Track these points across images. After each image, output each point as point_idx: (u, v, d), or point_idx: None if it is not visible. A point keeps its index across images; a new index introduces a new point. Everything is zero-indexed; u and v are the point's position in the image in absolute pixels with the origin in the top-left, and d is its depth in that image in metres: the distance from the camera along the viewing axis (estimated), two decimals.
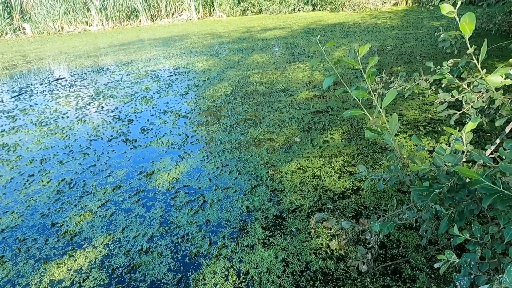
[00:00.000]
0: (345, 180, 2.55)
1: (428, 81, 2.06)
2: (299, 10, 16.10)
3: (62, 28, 15.81)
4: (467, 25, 1.45)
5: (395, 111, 3.69)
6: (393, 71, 5.25)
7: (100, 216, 2.36)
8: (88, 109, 4.66)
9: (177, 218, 2.28)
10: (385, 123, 1.52)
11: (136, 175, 2.86)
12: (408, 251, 1.85)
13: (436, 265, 1.21)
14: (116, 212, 2.39)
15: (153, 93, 5.14)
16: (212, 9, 17.88)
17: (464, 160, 1.36)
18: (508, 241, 1.16)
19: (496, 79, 1.09)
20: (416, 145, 2.90)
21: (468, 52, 1.55)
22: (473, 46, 1.59)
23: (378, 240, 1.57)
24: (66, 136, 3.79)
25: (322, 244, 1.94)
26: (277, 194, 2.46)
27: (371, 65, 1.48)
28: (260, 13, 17.27)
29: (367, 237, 1.58)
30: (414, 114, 3.57)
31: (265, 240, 2.02)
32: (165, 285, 1.77)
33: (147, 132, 3.72)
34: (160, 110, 4.40)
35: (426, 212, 1.36)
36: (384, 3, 14.48)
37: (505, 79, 1.04)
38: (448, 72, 1.86)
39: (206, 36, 11.08)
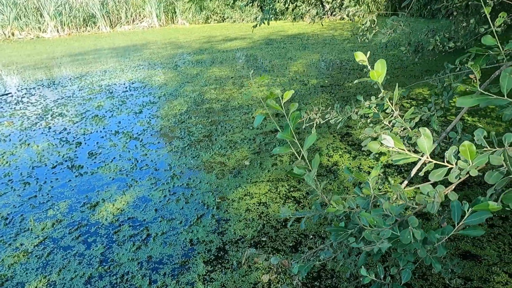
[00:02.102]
0: (289, 207, 2.63)
1: (358, 114, 2.19)
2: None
3: (13, 34, 14.96)
4: (377, 73, 1.56)
5: (343, 129, 3.85)
6: (346, 86, 5.47)
7: (36, 256, 2.27)
8: (34, 130, 4.45)
9: (118, 255, 2.24)
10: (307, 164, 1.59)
11: (79, 207, 2.77)
12: (341, 281, 1.94)
13: None
14: (54, 251, 2.31)
15: (106, 111, 5.00)
16: (174, 16, 17.68)
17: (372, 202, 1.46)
18: (405, 282, 1.26)
19: (375, 146, 1.19)
20: (352, 171, 3.02)
21: (379, 96, 1.67)
22: (385, 91, 1.70)
23: (300, 281, 1.64)
24: (7, 162, 3.60)
25: (260, 277, 1.99)
26: (222, 224, 2.49)
27: (293, 110, 1.55)
28: (223, 21, 17.32)
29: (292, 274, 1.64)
30: (359, 134, 3.75)
31: (205, 276, 2.04)
32: None
33: (95, 157, 3.61)
34: (111, 131, 4.29)
35: (340, 253, 1.44)
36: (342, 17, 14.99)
37: (380, 146, 1.14)
38: (374, 107, 1.98)
39: (166, 45, 10.94)
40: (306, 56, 8.00)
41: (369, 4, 14.63)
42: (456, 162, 1.08)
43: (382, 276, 1.32)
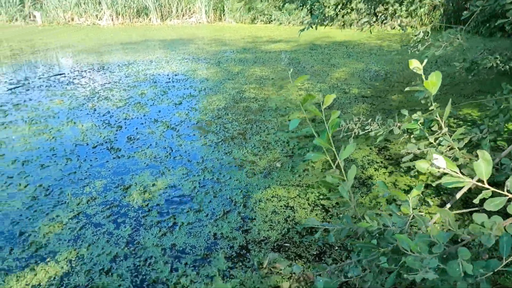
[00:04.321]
0: (316, 214, 2.57)
1: (401, 128, 2.09)
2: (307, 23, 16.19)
3: (72, 19, 15.94)
4: (432, 83, 1.48)
5: (381, 143, 3.72)
6: (388, 99, 5.28)
7: (69, 228, 2.39)
8: (81, 110, 4.70)
9: (144, 239, 2.30)
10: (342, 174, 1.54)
11: (113, 188, 2.88)
12: None
13: None
14: (85, 226, 2.42)
15: (148, 100, 5.18)
16: (222, 14, 18.02)
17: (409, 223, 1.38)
18: None
19: (424, 165, 1.12)
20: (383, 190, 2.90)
21: (430, 109, 1.58)
22: (436, 104, 1.61)
23: None
24: (53, 138, 3.82)
25: (280, 282, 1.96)
26: (247, 222, 2.48)
27: (334, 117, 1.51)
28: (270, 22, 17.40)
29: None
30: (398, 149, 3.60)
31: (225, 272, 2.04)
32: None
33: (133, 142, 3.75)
34: (151, 119, 4.43)
35: (370, 272, 1.38)
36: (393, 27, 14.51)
37: (430, 165, 1.07)
38: (420, 123, 1.89)
39: (211, 42, 11.16)
40: (350, 64, 7.82)
41: (422, 17, 14.07)
42: None
43: None
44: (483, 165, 0.96)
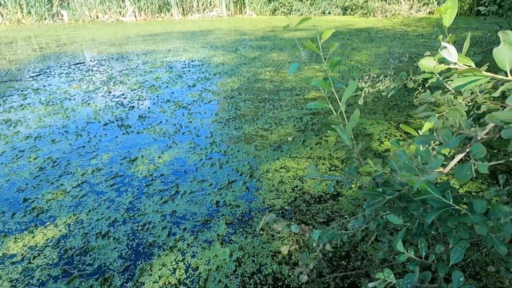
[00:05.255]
0: (326, 185, 2.41)
1: (416, 82, 1.89)
2: (329, 13, 15.81)
3: (97, 17, 16.37)
4: (446, 8, 1.28)
5: (401, 117, 3.48)
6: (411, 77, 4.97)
7: (72, 196, 2.36)
8: (96, 93, 4.74)
9: (144, 205, 2.23)
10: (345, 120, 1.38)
11: (119, 160, 2.84)
12: (373, 265, 1.69)
13: (370, 285, 1.06)
14: (88, 194, 2.38)
15: (162, 83, 5.16)
16: (242, 7, 17.93)
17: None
18: (455, 263, 1.00)
19: (429, 63, 0.94)
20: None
21: (443, 43, 1.39)
22: (451, 35, 1.42)
23: (327, 249, 1.44)
24: (67, 117, 3.86)
25: (281, 247, 1.82)
26: (252, 191, 2.36)
27: (332, 50, 1.35)
28: (290, 13, 17.12)
29: (314, 245, 1.45)
30: (420, 123, 3.35)
31: (225, 237, 1.93)
32: (111, 272, 1.72)
33: (144, 120, 3.71)
34: (164, 99, 4.39)
35: (374, 223, 1.21)
36: (419, 11, 13.92)
37: (439, 64, 0.89)
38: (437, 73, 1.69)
39: (230, 32, 11.09)
40: (372, 48, 7.50)
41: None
42: None
43: (423, 254, 1.07)
44: (507, 51, 0.77)
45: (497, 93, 0.89)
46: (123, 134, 3.36)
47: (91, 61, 6.96)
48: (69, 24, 15.07)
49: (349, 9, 15.38)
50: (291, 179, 2.49)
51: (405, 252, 1.07)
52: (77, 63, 6.70)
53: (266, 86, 4.85)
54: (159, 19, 16.56)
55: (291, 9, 16.93)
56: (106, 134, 3.36)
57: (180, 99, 4.40)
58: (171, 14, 17.16)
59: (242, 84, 4.99)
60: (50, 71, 6.08)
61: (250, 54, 7.24)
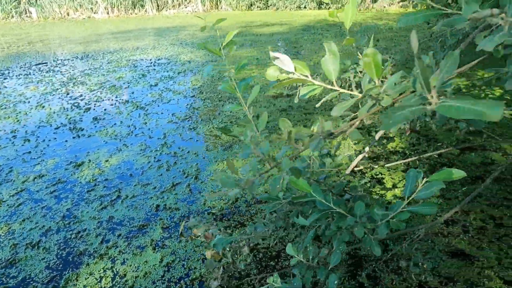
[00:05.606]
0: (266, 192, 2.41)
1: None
2: (304, 7, 15.83)
3: (68, 14, 15.90)
4: (346, 11, 1.28)
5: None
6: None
7: (8, 205, 2.29)
8: (53, 95, 4.61)
9: (82, 212, 2.19)
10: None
11: (64, 165, 2.78)
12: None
13: None
14: (25, 202, 2.32)
15: (124, 83, 5.06)
16: (218, 2, 17.74)
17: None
18: (334, 266, 1.02)
19: (273, 72, 0.95)
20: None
21: (273, 53, 1.39)
22: (348, 38, 1.43)
23: (246, 252, 1.45)
24: (18, 121, 3.74)
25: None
26: (195, 194, 2.34)
27: (230, 38, 1.35)
28: (266, 8, 17.06)
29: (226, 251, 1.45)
30: None
31: (158, 242, 1.91)
32: (35, 284, 1.68)
33: (98, 122, 3.63)
34: (122, 100, 4.31)
35: (271, 224, 1.23)
36: (392, 4, 14.10)
37: (281, 73, 0.90)
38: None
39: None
40: (341, 43, 7.55)
41: None
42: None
43: (311, 257, 1.09)
44: (330, 60, 0.79)
45: (318, 105, 0.92)
46: (74, 137, 3.28)
47: (54, 61, 6.76)
48: (38, 22, 14.59)
49: (324, 3, 15.42)
50: (236, 179, 2.49)
51: (296, 256, 1.09)
52: (39, 64, 6.50)
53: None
54: (133, 15, 16.22)
55: (267, 3, 16.88)
56: (55, 139, 3.27)
57: (139, 99, 4.32)
58: (145, 10, 16.83)
59: (205, 83, 4.95)
60: (9, 73, 5.88)
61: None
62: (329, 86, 0.84)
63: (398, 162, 2.41)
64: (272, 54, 0.84)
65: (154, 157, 2.85)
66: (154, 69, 5.81)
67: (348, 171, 2.13)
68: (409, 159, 2.38)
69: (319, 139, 0.83)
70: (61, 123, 3.63)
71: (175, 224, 2.05)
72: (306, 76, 0.84)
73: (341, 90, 0.86)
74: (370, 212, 1.00)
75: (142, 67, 6.01)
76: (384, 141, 2.96)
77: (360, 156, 1.97)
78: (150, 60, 6.56)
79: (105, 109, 4.01)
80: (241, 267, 1.44)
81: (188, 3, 17.60)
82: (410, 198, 0.96)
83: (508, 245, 1.75)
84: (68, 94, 4.63)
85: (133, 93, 4.59)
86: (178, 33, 10.17)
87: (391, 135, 2.94)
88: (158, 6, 17.19)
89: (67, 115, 3.87)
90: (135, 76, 5.42)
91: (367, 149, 1.89)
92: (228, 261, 1.42)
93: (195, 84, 4.89)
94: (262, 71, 5.43)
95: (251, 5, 17.14)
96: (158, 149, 2.99)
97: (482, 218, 1.93)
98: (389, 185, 2.26)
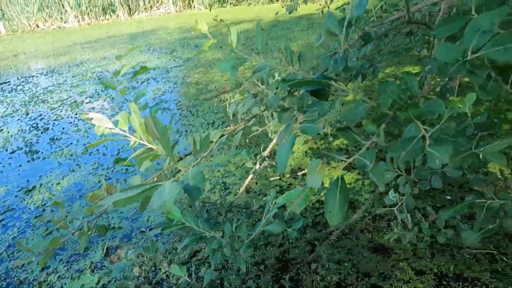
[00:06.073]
0: (214, 192, 2.49)
1: None
2: (277, 0, 15.82)
3: (37, 26, 15.62)
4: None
5: None
6: None
7: None
8: (13, 117, 4.59)
9: (27, 240, 2.23)
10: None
11: (15, 192, 2.81)
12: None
13: None
14: None
15: (86, 97, 5.05)
16: (191, 1, 17.61)
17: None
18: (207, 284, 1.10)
19: (100, 128, 1.01)
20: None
21: (85, 114, 1.45)
22: (125, 65, 1.48)
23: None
24: None
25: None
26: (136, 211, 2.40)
27: (140, 72, 1.40)
28: (240, 4, 17.01)
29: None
30: None
31: (98, 263, 1.97)
32: None
33: (54, 142, 3.65)
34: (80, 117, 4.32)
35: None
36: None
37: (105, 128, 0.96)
38: None
39: (174, 31, 10.93)
40: (308, 36, 7.63)
41: None
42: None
43: (194, 277, 1.17)
44: (136, 118, 0.86)
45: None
46: (28, 161, 3.30)
47: (18, 79, 6.69)
48: (6, 36, 14.32)
49: None
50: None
51: (181, 274, 1.17)
52: (2, 83, 6.43)
53: (190, 90, 4.86)
54: (105, 22, 16.03)
55: None
56: (10, 164, 3.29)
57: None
58: (117, 15, 16.63)
59: (168, 90, 4.98)
60: None
61: (185, 55, 7.18)
62: (134, 138, 0.91)
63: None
64: (85, 116, 0.90)
65: (105, 176, 2.89)
66: (118, 80, 5.79)
67: (241, 191, 2.27)
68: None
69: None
70: (17, 147, 3.63)
71: (116, 243, 2.11)
72: (124, 131, 0.91)
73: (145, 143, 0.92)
74: (238, 231, 1.09)
75: (106, 79, 5.98)
76: (330, 138, 3.05)
77: (250, 176, 2.11)
78: (115, 70, 6.54)
79: (63, 128, 4.02)
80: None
81: (160, 5, 17.44)
82: (266, 218, 1.04)
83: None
84: (27, 114, 4.62)
85: (93, 108, 4.60)
86: (147, 38, 10.12)
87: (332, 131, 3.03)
88: (130, 10, 16.99)
89: (24, 137, 3.87)
90: (97, 89, 5.42)
91: (257, 166, 1.99)
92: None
93: (157, 93, 4.91)
94: (224, 74, 5.47)
95: (224, 1, 17.06)
96: (110, 166, 3.03)
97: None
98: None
